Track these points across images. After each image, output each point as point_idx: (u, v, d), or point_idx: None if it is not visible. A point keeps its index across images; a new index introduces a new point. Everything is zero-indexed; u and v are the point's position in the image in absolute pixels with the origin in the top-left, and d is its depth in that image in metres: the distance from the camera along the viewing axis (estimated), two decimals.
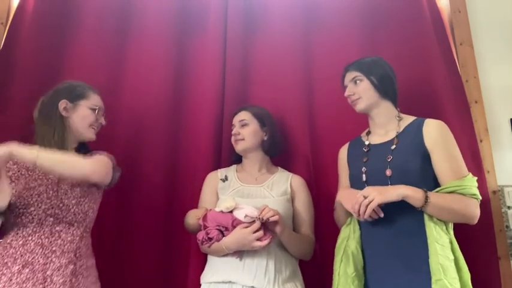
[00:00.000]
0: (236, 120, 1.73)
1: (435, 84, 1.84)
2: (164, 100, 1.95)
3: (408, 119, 1.49)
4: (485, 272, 1.63)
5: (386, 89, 1.50)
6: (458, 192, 1.31)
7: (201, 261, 1.64)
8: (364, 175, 1.45)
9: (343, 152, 1.63)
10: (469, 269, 1.30)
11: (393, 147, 1.43)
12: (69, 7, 2.01)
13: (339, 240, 1.47)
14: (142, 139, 1.89)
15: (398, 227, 1.33)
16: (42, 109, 1.49)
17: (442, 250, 1.25)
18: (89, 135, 1.52)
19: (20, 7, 1.94)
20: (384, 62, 1.56)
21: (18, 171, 1.42)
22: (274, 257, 1.48)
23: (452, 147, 1.39)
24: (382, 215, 1.31)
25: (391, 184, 1.36)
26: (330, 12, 2.04)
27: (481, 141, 1.83)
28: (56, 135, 1.44)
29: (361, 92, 1.50)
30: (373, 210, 1.30)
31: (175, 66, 2.00)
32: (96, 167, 1.36)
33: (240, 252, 1.47)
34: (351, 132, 1.66)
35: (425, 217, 1.30)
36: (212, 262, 1.54)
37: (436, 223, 1.29)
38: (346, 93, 1.54)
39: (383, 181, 1.38)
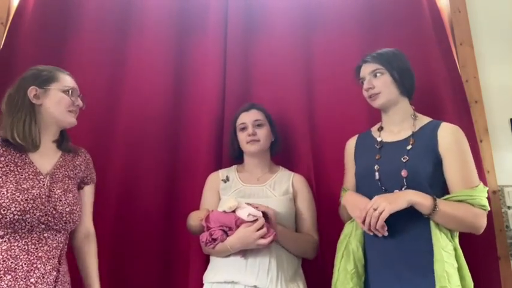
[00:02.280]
0: (249, 118, 1.68)
1: (435, 84, 1.84)
2: (165, 100, 1.94)
3: (423, 120, 1.45)
4: (485, 272, 1.63)
5: (406, 85, 1.45)
6: (467, 202, 1.29)
7: (202, 262, 1.64)
8: (377, 173, 1.40)
9: (351, 145, 1.59)
10: (469, 269, 1.30)
11: (409, 147, 1.39)
12: (69, 7, 2.00)
13: (342, 236, 1.45)
14: (143, 139, 1.88)
15: (403, 230, 1.31)
16: (9, 101, 1.35)
17: (448, 257, 1.24)
18: (69, 119, 1.40)
19: (20, 7, 1.94)
20: (404, 56, 1.50)
21: (7, 165, 1.29)
22: (276, 257, 1.48)
23: (466, 155, 1.35)
24: (386, 232, 1.29)
25: (406, 185, 1.33)
26: (330, 12, 2.04)
27: (481, 141, 1.83)
28: (25, 126, 1.31)
29: (381, 86, 1.43)
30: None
31: (176, 67, 2.00)
32: None
33: (244, 251, 1.47)
34: (351, 132, 1.66)
35: (432, 224, 1.28)
36: (215, 262, 1.54)
37: (441, 230, 1.28)
38: (365, 86, 1.47)
39: (398, 182, 1.34)
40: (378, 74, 1.45)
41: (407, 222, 1.30)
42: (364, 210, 1.29)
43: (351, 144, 1.60)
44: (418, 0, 1.97)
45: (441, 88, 1.83)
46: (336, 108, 1.89)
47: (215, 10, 2.03)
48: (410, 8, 1.97)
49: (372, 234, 1.32)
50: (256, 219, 1.44)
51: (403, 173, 1.34)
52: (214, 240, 1.47)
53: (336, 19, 2.02)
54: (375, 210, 1.26)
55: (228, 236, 1.47)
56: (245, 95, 1.96)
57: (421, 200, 1.26)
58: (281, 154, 1.81)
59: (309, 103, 1.93)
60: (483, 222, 1.31)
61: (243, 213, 1.46)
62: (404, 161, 1.36)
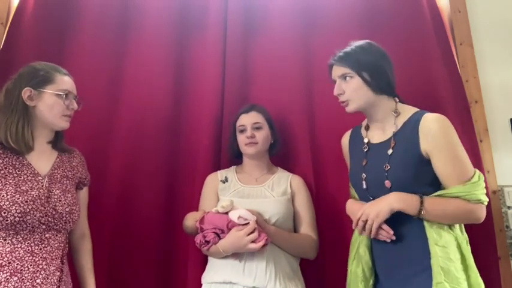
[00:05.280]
0: (248, 121, 1.68)
1: (435, 84, 1.84)
2: (164, 101, 1.94)
3: (406, 114, 1.36)
4: (485, 272, 1.62)
5: (380, 83, 1.36)
6: (462, 198, 1.24)
7: (200, 262, 1.64)
8: (364, 182, 1.39)
9: (345, 142, 1.59)
10: None
11: (390, 151, 1.34)
12: (69, 7, 2.00)
13: (353, 238, 1.46)
14: (142, 139, 1.88)
15: (400, 231, 1.30)
16: (5, 97, 1.33)
17: (442, 252, 1.21)
18: (61, 124, 1.38)
19: (20, 7, 1.94)
20: (375, 48, 1.41)
21: (5, 168, 1.29)
22: (274, 257, 1.48)
23: (454, 145, 1.27)
24: (393, 237, 1.28)
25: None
26: (329, 13, 2.04)
27: (481, 141, 1.83)
28: (18, 129, 1.30)
29: (350, 92, 1.36)
30: (381, 228, 1.29)
31: (175, 67, 2.00)
32: None
33: (239, 254, 1.46)
34: None
35: (424, 220, 1.27)
36: (213, 262, 1.55)
37: (434, 224, 1.26)
38: (335, 92, 1.40)
39: (383, 191, 1.32)
40: (347, 78, 1.37)
41: (404, 222, 1.29)
42: (355, 222, 1.33)
43: (345, 141, 1.59)
44: (418, 0, 1.97)
45: (441, 88, 1.83)
46: (335, 109, 1.85)
47: (215, 11, 2.03)
48: (410, 8, 1.97)
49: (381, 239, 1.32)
50: (248, 223, 1.43)
51: (387, 183, 1.31)
52: (208, 242, 1.48)
53: (336, 20, 2.01)
54: (364, 221, 1.30)
55: (220, 238, 1.47)
56: (244, 96, 1.95)
57: (403, 206, 1.25)
58: (280, 155, 1.81)
59: (308, 104, 1.93)
60: (481, 215, 1.27)
61: (234, 216, 1.45)
62: (386, 169, 1.32)
